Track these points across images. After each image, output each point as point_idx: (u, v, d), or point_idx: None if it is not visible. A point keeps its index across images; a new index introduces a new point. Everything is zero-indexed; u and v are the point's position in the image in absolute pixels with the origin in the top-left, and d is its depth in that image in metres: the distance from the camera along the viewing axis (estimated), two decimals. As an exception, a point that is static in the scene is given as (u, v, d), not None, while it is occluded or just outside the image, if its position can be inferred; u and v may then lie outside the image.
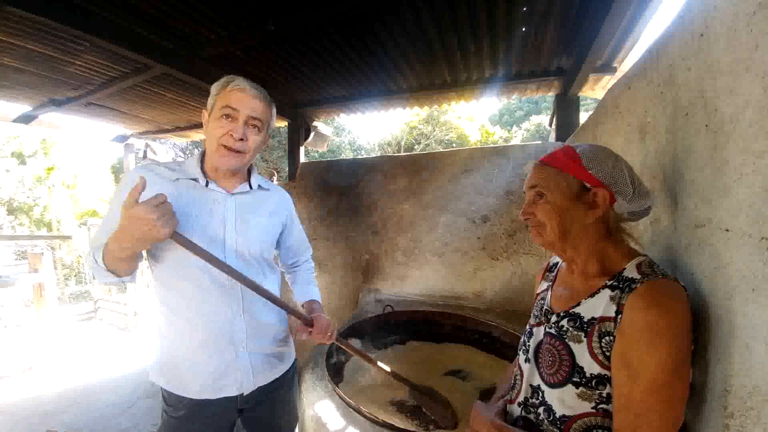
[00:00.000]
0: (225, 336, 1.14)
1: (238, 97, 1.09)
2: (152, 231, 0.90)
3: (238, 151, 1.11)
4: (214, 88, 1.13)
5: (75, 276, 9.46)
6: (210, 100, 1.13)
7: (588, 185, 0.79)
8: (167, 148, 12.76)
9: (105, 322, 5.66)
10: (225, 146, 1.09)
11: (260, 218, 1.24)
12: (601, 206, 0.78)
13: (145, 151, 5.08)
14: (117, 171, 15.17)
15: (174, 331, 1.13)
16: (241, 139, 1.10)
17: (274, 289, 1.27)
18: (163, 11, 1.97)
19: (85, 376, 3.79)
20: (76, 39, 2.20)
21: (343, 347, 1.47)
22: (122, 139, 5.00)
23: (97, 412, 3.05)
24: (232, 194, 1.18)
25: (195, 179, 1.14)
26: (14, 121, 3.75)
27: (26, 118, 3.75)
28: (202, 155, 1.19)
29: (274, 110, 1.23)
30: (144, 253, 1.13)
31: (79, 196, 15.74)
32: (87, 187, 16.19)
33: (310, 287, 1.48)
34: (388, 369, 1.61)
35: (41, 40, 2.22)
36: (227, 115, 1.08)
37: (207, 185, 1.15)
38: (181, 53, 2.43)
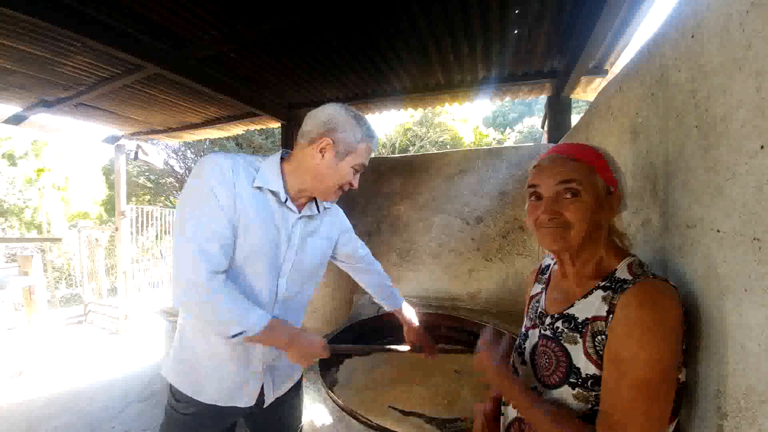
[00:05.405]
0: (252, 353, 1.13)
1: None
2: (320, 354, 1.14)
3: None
4: (358, 132, 1.10)
5: (65, 279, 9.35)
6: (343, 138, 1.08)
7: (611, 189, 0.78)
8: (159, 149, 12.63)
9: (96, 326, 5.58)
10: (342, 190, 1.17)
11: (318, 240, 1.24)
12: (615, 210, 0.78)
13: (136, 152, 5.02)
14: (108, 172, 14.93)
15: (201, 342, 1.12)
16: None
17: (306, 295, 1.27)
18: (155, 11, 1.95)
19: (77, 380, 3.73)
20: (67, 39, 2.17)
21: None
22: (113, 140, 4.95)
23: (88, 417, 3.00)
24: (300, 216, 1.16)
25: (275, 192, 1.10)
26: (4, 122, 3.69)
27: (17, 119, 3.70)
28: (281, 165, 1.14)
29: None
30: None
31: (70, 197, 15.58)
32: (78, 188, 16.03)
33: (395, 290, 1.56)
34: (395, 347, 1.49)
35: (32, 40, 2.19)
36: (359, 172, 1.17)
37: (285, 202, 1.11)
38: (173, 53, 2.40)
